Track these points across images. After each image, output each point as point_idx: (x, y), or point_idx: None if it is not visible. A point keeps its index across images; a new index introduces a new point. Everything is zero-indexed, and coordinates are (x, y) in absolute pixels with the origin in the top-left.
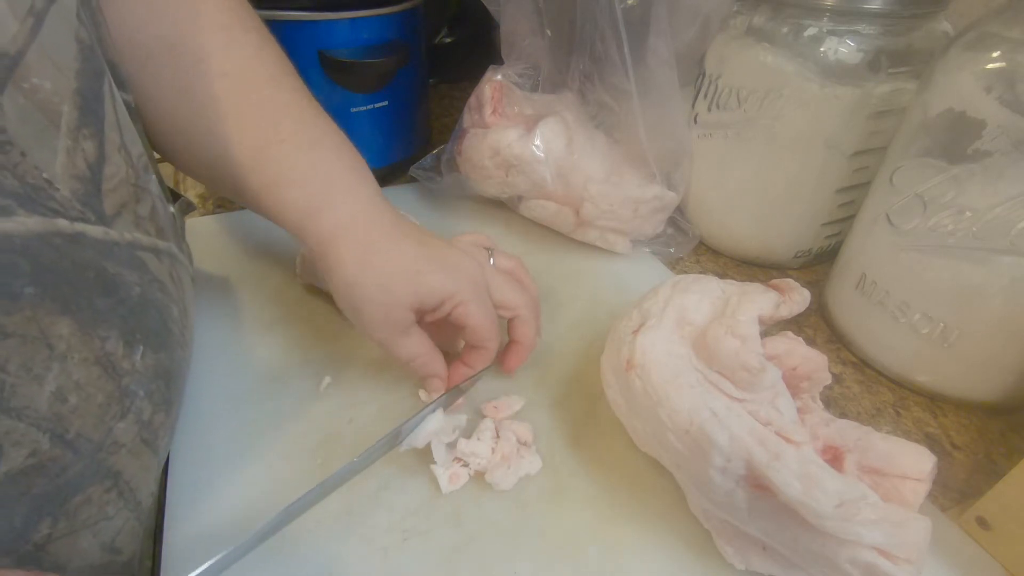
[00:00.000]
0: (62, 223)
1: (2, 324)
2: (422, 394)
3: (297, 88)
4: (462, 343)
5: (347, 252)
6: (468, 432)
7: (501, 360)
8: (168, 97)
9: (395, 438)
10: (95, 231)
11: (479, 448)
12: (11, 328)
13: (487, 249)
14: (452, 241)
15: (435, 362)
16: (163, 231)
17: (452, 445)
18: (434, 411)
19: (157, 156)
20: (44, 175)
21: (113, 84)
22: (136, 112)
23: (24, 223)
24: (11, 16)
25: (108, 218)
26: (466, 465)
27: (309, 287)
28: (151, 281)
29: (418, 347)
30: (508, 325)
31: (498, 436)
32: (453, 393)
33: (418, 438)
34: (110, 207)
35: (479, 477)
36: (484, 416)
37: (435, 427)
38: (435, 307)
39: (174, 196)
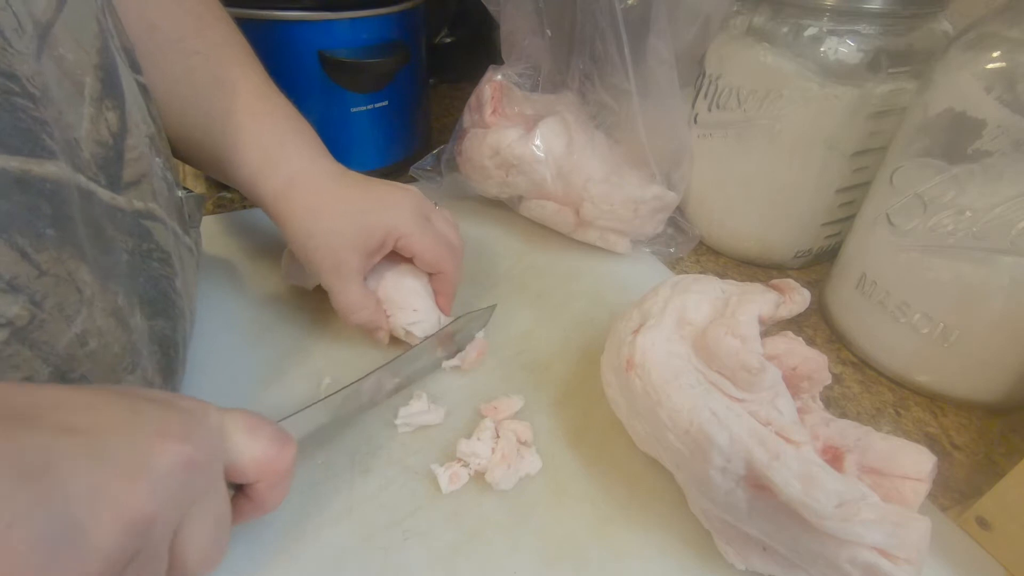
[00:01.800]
0: (81, 179)
1: (36, 261)
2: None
3: (258, 70)
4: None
5: (297, 205)
6: (468, 432)
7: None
8: (151, 75)
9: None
10: (103, 194)
11: (479, 448)
12: (44, 266)
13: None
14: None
15: (379, 315)
16: (169, 211)
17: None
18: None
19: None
20: (73, 135)
21: (123, 65)
22: (149, 94)
23: (61, 168)
24: None
25: (123, 185)
26: (466, 465)
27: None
28: (153, 250)
29: (362, 298)
30: (431, 278)
31: (498, 436)
32: (443, 333)
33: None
34: (129, 175)
35: (479, 477)
36: (484, 416)
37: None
38: (380, 244)
39: (185, 190)
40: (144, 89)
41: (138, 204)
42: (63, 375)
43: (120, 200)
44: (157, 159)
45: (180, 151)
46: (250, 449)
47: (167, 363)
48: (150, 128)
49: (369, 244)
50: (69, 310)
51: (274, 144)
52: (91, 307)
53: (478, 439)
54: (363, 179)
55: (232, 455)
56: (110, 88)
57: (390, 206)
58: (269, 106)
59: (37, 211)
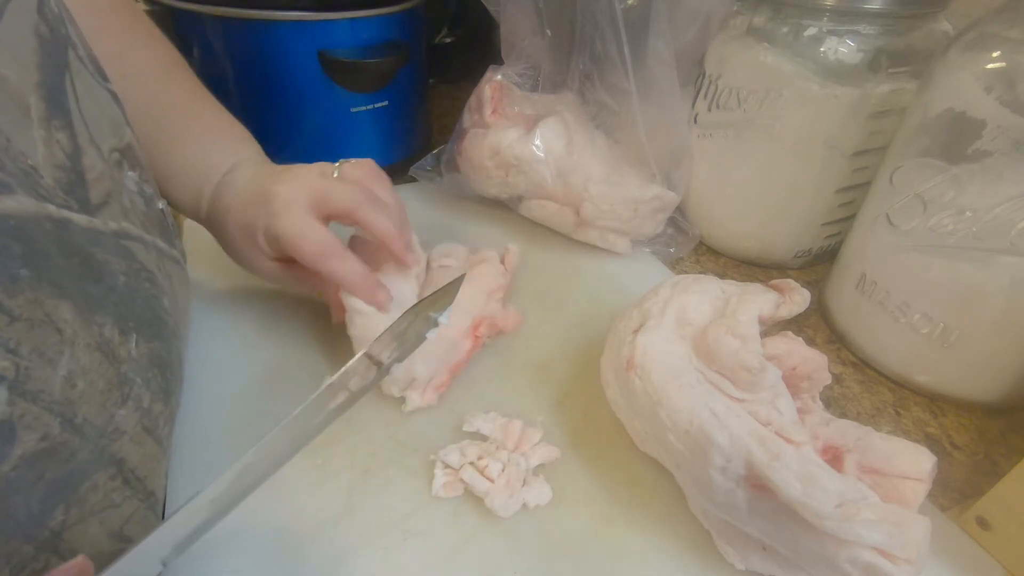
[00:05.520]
0: (51, 208)
1: (8, 307)
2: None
3: (184, 82)
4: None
5: (215, 227)
6: (465, 434)
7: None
8: None
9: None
10: (79, 219)
11: (478, 480)
12: (17, 311)
13: (337, 164)
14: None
15: (297, 283)
16: (148, 226)
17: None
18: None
19: None
20: (30, 162)
21: (87, 75)
22: (121, 103)
23: (22, 202)
24: None
25: (93, 207)
26: (463, 483)
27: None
28: (139, 271)
29: (301, 285)
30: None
31: (506, 467)
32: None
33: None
34: (96, 196)
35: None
36: (501, 448)
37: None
38: (268, 245)
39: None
40: (116, 98)
41: (113, 225)
42: (71, 423)
43: (97, 223)
44: (131, 173)
45: None
46: None
47: (165, 385)
48: (122, 140)
49: (263, 247)
50: (51, 353)
51: (199, 175)
52: (73, 346)
53: (486, 465)
54: (269, 178)
55: None
56: (55, 107)
57: (265, 204)
58: (195, 129)
59: (7, 251)
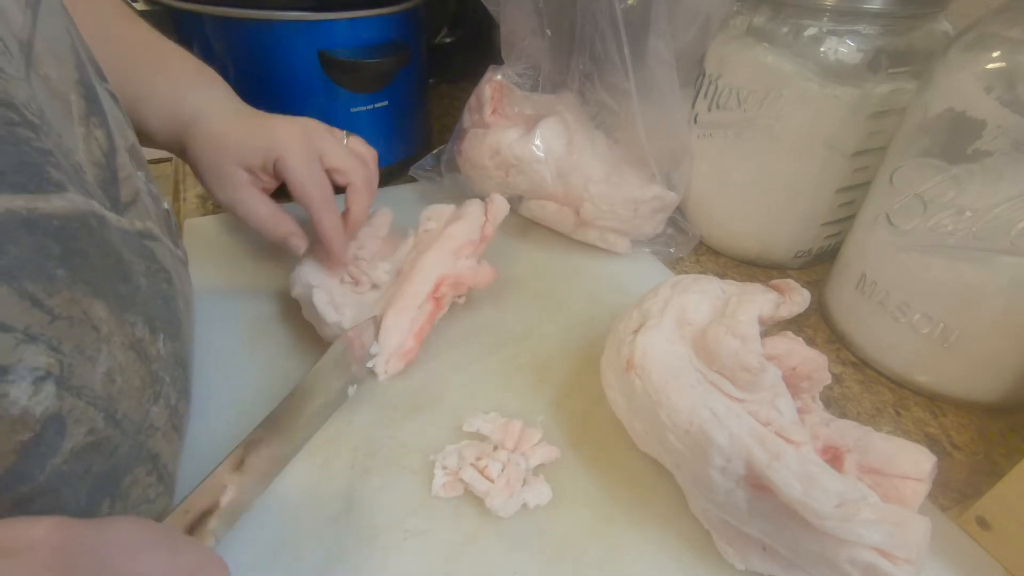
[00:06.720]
0: (95, 205)
1: (49, 306)
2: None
3: (145, 27)
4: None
5: (195, 141)
6: (465, 434)
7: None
8: None
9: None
10: (112, 218)
11: (478, 480)
12: (57, 310)
13: (344, 133)
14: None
15: (283, 221)
16: (160, 226)
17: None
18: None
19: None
20: (76, 159)
21: (96, 76)
22: (119, 102)
23: (73, 200)
24: (16, 7)
25: (123, 206)
26: (462, 482)
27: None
28: (158, 271)
29: (261, 207)
30: (346, 195)
31: (506, 467)
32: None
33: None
34: (125, 195)
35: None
36: (497, 448)
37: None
38: (261, 163)
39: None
40: (115, 98)
41: (139, 224)
42: (112, 418)
43: (124, 222)
44: (139, 173)
45: None
46: None
47: (185, 384)
48: (128, 141)
49: (248, 160)
50: (90, 350)
51: (172, 95)
52: (110, 344)
53: (487, 466)
54: (259, 114)
55: None
56: (93, 104)
57: (273, 129)
58: (162, 60)
59: (46, 252)
